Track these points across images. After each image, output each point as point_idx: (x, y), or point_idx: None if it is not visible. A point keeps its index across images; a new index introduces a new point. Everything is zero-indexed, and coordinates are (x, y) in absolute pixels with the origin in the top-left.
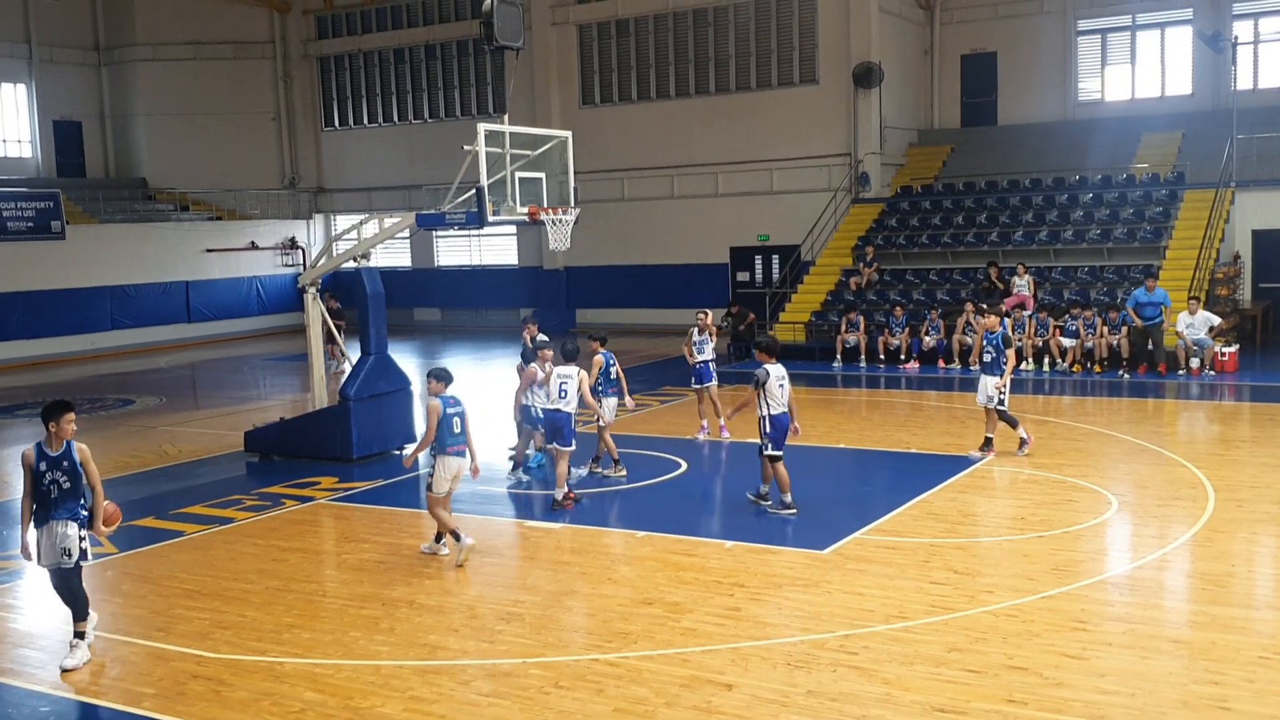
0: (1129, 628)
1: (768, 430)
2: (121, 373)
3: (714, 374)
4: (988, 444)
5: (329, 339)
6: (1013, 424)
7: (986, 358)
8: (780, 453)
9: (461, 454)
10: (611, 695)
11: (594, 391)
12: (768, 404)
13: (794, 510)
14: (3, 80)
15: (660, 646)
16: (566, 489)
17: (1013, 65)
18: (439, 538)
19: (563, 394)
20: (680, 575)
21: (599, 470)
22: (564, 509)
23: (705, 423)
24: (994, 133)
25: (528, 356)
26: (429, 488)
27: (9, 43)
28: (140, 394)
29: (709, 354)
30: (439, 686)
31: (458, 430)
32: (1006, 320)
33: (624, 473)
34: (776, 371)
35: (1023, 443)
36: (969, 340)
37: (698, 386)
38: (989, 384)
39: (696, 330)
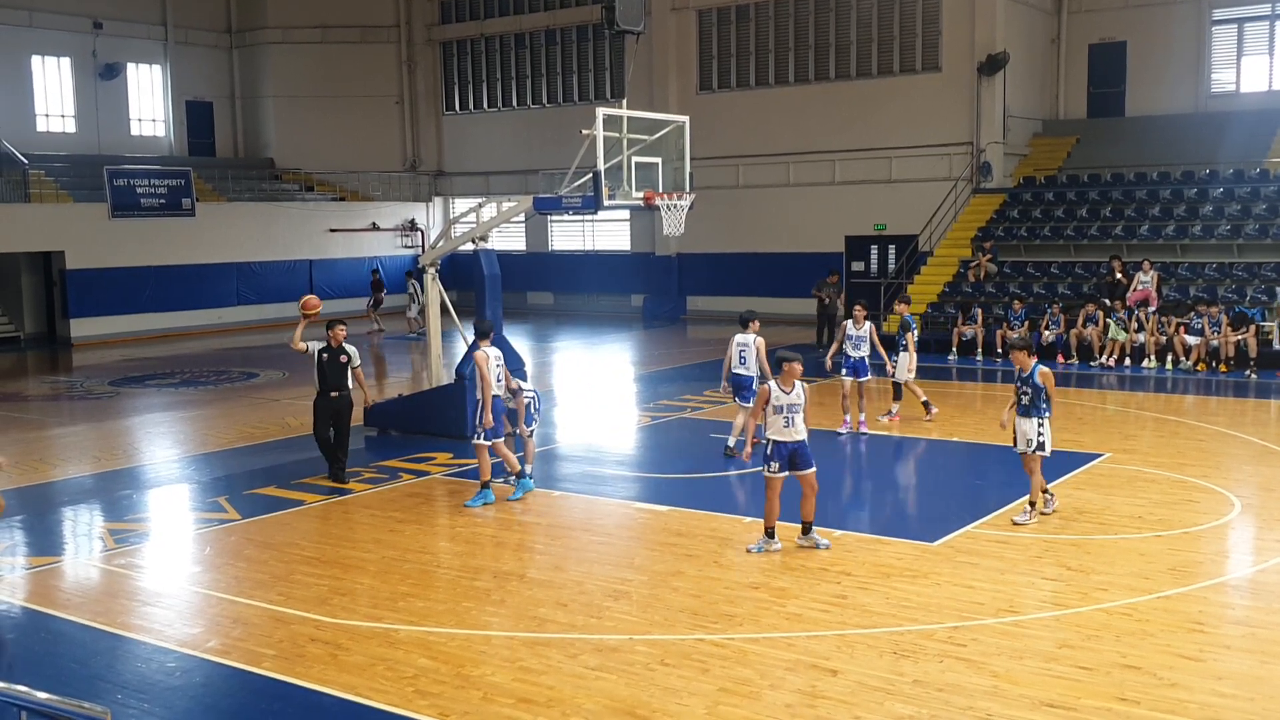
0: (1250, 631)
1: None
2: (246, 347)
3: (868, 368)
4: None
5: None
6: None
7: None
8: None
9: None
10: (716, 675)
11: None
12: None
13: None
14: (140, 61)
15: (766, 630)
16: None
17: (1143, 55)
18: None
19: (742, 360)
20: (787, 561)
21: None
22: (734, 456)
23: (849, 417)
24: (1121, 124)
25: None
26: None
27: (146, 25)
28: (264, 368)
29: (865, 349)
30: (547, 658)
31: None
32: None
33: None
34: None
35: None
36: (1088, 335)
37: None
38: None
39: (852, 324)
